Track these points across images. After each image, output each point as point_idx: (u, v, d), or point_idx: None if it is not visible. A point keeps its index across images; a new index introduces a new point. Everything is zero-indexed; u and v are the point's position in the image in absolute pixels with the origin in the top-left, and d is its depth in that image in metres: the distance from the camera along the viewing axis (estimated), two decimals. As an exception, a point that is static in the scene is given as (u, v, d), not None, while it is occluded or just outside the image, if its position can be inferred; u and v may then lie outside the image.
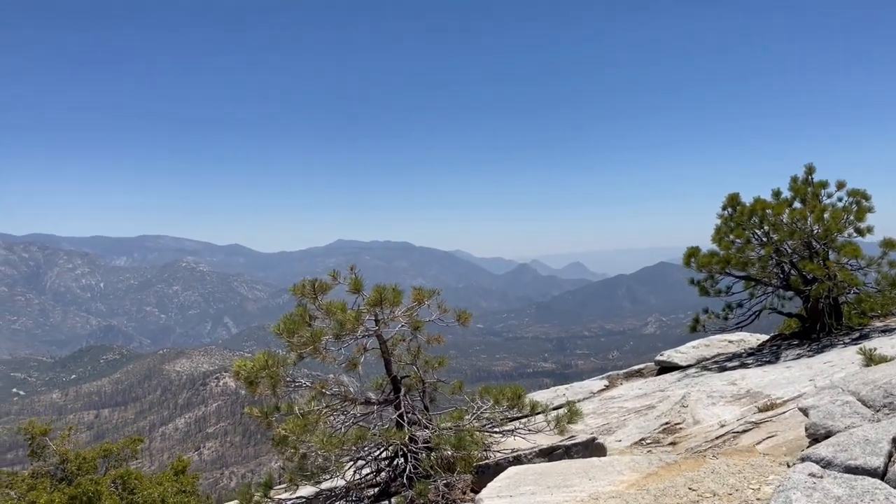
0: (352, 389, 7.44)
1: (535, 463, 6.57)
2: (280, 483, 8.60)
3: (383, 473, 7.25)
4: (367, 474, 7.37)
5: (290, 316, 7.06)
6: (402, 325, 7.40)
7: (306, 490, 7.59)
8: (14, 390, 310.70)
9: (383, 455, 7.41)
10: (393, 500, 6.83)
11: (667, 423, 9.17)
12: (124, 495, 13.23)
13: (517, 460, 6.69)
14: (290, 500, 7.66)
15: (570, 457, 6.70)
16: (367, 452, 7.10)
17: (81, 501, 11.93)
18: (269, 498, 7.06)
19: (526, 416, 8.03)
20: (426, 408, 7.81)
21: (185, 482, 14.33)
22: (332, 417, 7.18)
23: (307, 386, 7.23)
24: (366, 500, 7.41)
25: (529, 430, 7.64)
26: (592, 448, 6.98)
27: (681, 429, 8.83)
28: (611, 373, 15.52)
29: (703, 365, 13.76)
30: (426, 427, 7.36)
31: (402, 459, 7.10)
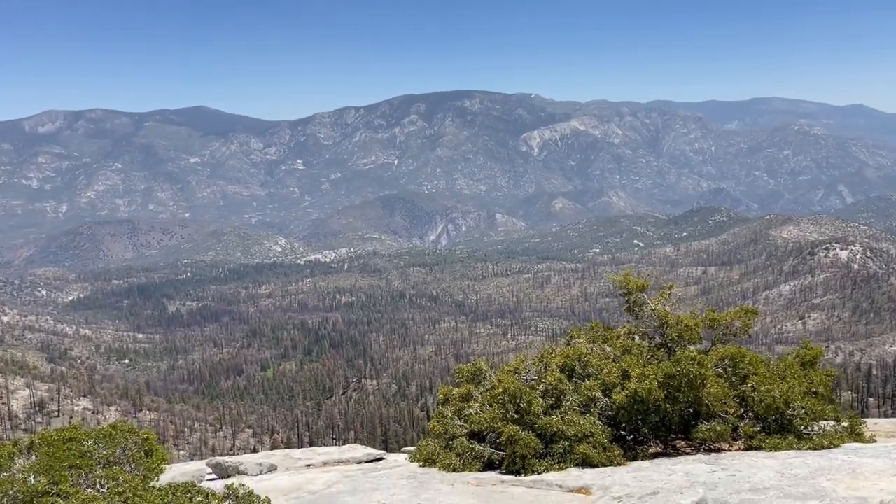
0: None
1: None
2: None
3: None
4: None
5: None
6: None
7: None
8: (635, 241, 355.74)
9: None
10: None
11: None
12: (734, 383, 10.05)
13: None
14: None
15: None
16: None
17: (680, 383, 9.17)
18: None
19: None
20: None
21: (817, 380, 10.27)
22: None
23: None
24: None
25: None
26: None
27: None
28: None
29: None
30: None
31: None
